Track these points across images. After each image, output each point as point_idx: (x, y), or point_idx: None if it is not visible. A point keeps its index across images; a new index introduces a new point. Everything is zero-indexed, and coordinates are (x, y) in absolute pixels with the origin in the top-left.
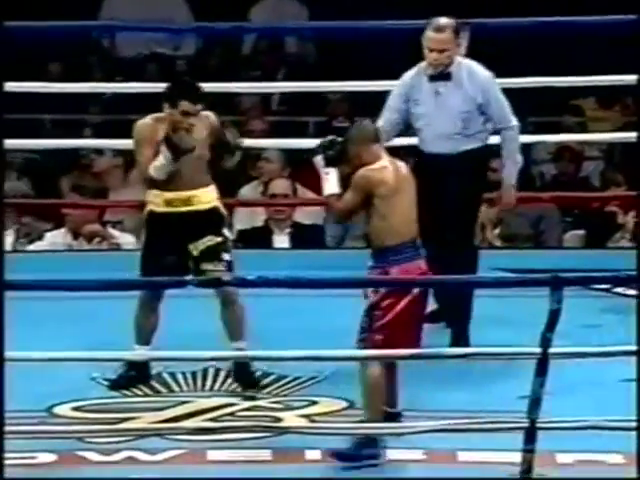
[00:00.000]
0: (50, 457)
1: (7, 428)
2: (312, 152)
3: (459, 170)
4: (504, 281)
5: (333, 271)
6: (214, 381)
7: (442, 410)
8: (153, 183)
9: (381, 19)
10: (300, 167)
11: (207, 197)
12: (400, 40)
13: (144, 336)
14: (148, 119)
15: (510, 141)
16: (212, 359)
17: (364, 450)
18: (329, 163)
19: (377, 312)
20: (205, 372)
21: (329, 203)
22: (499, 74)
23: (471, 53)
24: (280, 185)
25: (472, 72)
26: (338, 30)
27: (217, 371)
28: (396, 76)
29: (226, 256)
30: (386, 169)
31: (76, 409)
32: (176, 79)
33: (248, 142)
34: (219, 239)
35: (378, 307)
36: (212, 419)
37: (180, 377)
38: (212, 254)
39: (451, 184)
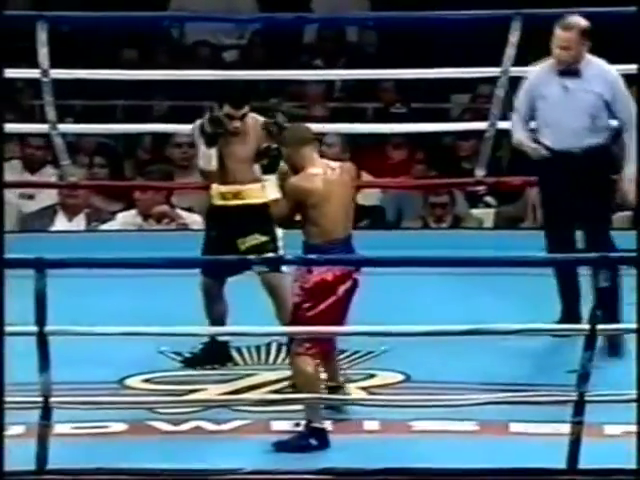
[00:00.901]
0: (121, 427)
1: (82, 399)
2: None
3: (592, 165)
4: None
5: (393, 250)
6: (277, 355)
7: (494, 383)
8: (207, 176)
9: (440, 9)
10: (358, 151)
11: (256, 193)
12: (459, 30)
13: (218, 324)
14: (198, 121)
15: (633, 137)
16: (275, 334)
17: (311, 439)
18: (266, 170)
19: (299, 312)
20: (269, 347)
21: (270, 208)
22: None
23: (523, 43)
24: None
25: (601, 69)
26: (398, 20)
27: (280, 346)
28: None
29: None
30: (315, 177)
31: (146, 381)
32: (224, 85)
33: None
34: (264, 238)
35: (300, 308)
36: (275, 391)
37: (245, 351)
38: (257, 253)
39: (588, 180)
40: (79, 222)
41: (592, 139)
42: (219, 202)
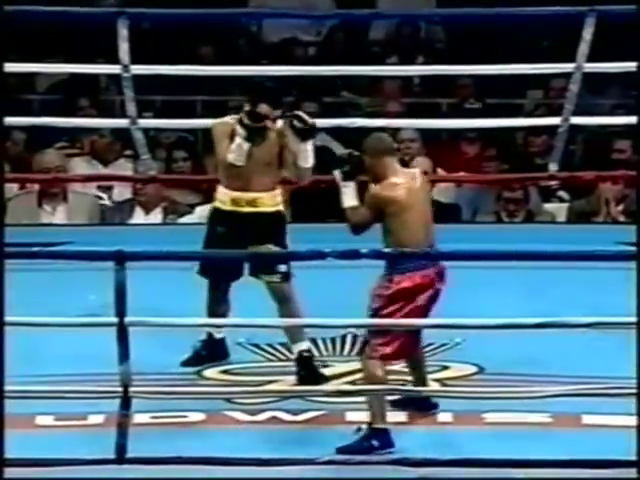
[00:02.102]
0: (200, 416)
1: (160, 389)
2: (334, 164)
3: None
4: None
5: (468, 245)
6: (352, 347)
7: (567, 376)
8: (225, 180)
9: (506, 6)
10: (433, 147)
11: (272, 200)
12: (529, 26)
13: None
14: (225, 118)
15: None
16: (349, 326)
17: (373, 440)
18: (346, 177)
19: (377, 318)
20: (344, 338)
21: (346, 215)
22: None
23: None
24: (422, 163)
25: None
26: (473, 17)
27: (354, 337)
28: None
29: (282, 267)
30: (397, 186)
31: (224, 372)
32: (258, 84)
33: (386, 122)
34: (276, 250)
35: (378, 314)
36: (350, 382)
37: (320, 343)
38: (268, 265)
39: None
40: (156, 215)
41: None
42: (229, 207)
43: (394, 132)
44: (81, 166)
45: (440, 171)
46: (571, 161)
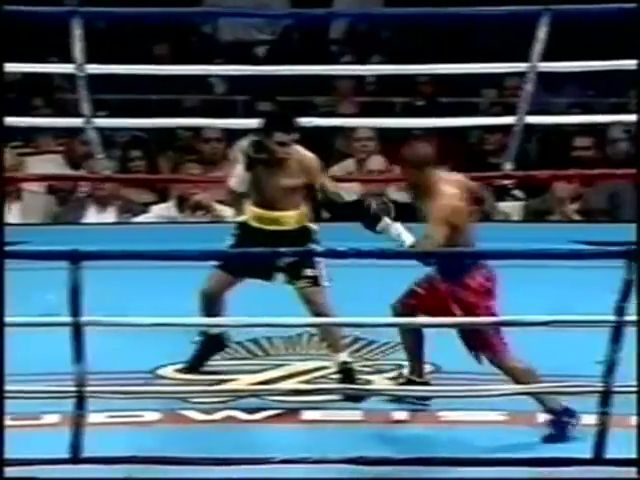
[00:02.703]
0: (155, 416)
1: (115, 388)
2: (372, 221)
3: None
4: (580, 253)
5: None
6: (308, 345)
7: None
8: (251, 197)
9: (462, 5)
10: (388, 146)
11: (296, 218)
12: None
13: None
14: (243, 141)
15: None
16: (305, 325)
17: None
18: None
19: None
20: (300, 337)
21: (420, 250)
22: (582, 57)
23: (553, 38)
24: (377, 161)
25: None
26: (421, 16)
27: (311, 336)
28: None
29: (308, 272)
30: (457, 194)
31: (179, 371)
32: (271, 112)
33: (340, 121)
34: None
35: (477, 315)
36: (306, 381)
37: (276, 341)
38: (295, 270)
39: None
40: (110, 214)
41: None
42: (255, 224)
43: (350, 131)
44: (44, 166)
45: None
46: (526, 160)
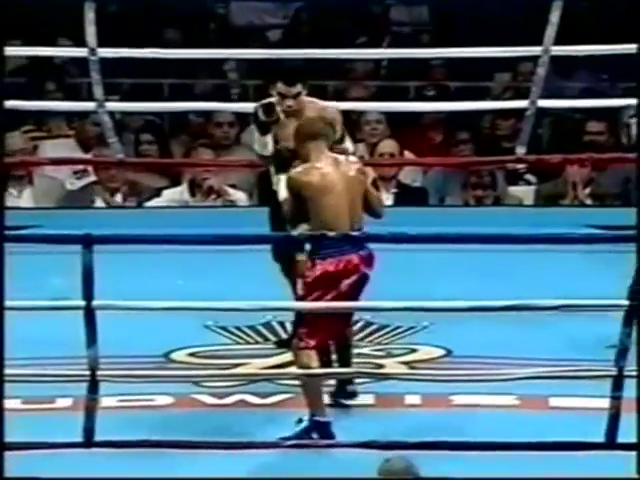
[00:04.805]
0: (167, 400)
1: (128, 372)
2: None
3: None
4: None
5: (436, 228)
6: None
7: (534, 358)
8: (265, 161)
9: None
10: (401, 130)
11: None
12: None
13: None
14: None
15: None
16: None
17: (313, 433)
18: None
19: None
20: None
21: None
22: (595, 41)
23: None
24: (389, 145)
25: None
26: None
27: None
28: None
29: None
30: (312, 170)
31: (191, 355)
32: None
33: (353, 105)
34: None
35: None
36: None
37: (289, 325)
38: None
39: None
40: (119, 199)
41: None
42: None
43: (360, 114)
44: (57, 150)
45: (407, 154)
46: (539, 144)
